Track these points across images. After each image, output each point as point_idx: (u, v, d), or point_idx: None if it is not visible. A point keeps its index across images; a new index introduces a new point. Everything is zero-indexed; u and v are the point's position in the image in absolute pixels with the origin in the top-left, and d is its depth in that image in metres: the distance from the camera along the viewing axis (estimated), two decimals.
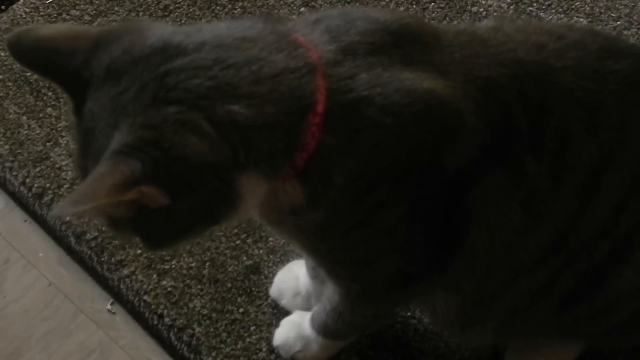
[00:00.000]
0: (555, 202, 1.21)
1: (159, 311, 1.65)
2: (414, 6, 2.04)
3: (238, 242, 1.72)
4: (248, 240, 1.72)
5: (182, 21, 1.99)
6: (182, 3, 2.03)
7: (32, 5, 2.02)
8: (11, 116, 1.87)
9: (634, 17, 2.03)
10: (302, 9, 2.03)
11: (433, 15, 2.03)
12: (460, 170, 1.16)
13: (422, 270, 1.27)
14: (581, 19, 2.03)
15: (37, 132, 1.84)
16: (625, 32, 2.01)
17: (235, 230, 1.73)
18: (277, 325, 1.62)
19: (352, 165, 1.10)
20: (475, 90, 1.15)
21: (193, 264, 1.69)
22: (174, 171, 1.00)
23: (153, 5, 2.03)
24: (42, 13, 2.01)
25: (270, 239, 1.71)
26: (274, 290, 1.66)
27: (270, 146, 1.05)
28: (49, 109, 1.87)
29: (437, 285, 1.31)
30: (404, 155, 1.12)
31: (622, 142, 1.21)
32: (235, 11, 2.02)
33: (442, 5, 2.04)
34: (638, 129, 1.22)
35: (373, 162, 1.11)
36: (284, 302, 1.64)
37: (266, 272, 1.69)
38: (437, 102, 1.11)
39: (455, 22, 2.02)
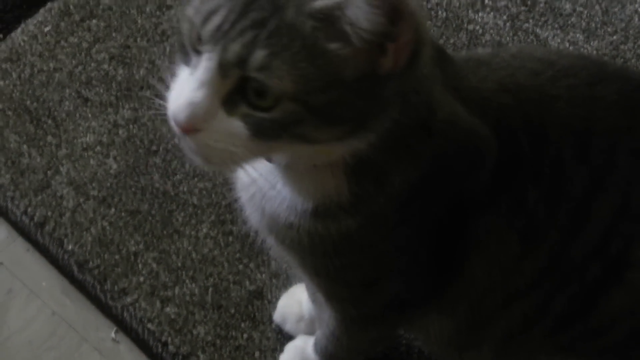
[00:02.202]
0: (549, 229, 1.26)
1: (163, 339, 1.69)
2: None
3: (241, 266, 1.76)
4: (251, 265, 1.76)
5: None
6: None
7: (30, 34, 2.07)
8: (11, 145, 1.91)
9: (630, 32, 2.08)
10: None
11: (430, 34, 2.08)
12: (470, 197, 1.22)
13: (420, 294, 1.31)
14: (577, 35, 2.08)
15: (38, 160, 1.89)
16: (622, 47, 2.06)
17: (238, 255, 1.78)
18: (281, 351, 1.66)
19: (414, 173, 1.14)
20: (490, 117, 1.20)
21: (196, 290, 1.74)
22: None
23: (151, 30, 2.08)
24: (40, 41, 2.06)
25: (273, 262, 1.76)
26: (277, 316, 1.70)
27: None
28: (49, 137, 1.92)
29: (433, 309, 1.35)
30: (446, 175, 1.17)
31: (611, 166, 1.25)
32: None
33: (439, 24, 2.09)
34: (626, 152, 1.26)
35: (428, 173, 1.15)
36: (287, 327, 1.68)
37: (269, 296, 1.73)
38: (476, 128, 1.18)
39: (452, 41, 2.07)
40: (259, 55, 0.96)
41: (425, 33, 1.04)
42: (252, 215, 1.28)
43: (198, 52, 1.00)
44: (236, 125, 1.00)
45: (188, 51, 1.02)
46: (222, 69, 0.98)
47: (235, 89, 0.99)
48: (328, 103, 0.99)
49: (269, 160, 1.14)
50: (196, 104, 0.99)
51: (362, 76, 1.00)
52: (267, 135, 1.00)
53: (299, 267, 1.32)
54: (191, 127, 1.00)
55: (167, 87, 1.05)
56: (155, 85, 1.90)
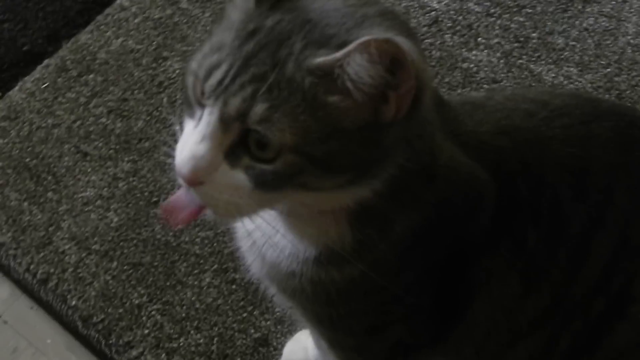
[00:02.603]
0: (550, 269, 1.26)
1: None
2: None
3: (245, 314, 1.76)
4: (255, 313, 1.76)
5: (177, 96, 2.06)
6: (175, 79, 2.10)
7: (27, 91, 2.09)
8: (12, 203, 1.92)
9: (624, 64, 2.09)
10: None
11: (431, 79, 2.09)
12: (471, 240, 1.22)
13: (424, 339, 1.31)
14: (571, 69, 2.09)
15: (39, 217, 1.89)
16: (616, 79, 2.07)
17: (242, 303, 1.77)
18: None
19: (417, 218, 1.14)
20: (489, 161, 1.20)
21: (201, 341, 1.73)
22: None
23: (148, 82, 2.09)
24: (38, 98, 2.07)
25: (277, 309, 1.75)
26: None
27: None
28: (50, 193, 1.93)
29: (437, 352, 1.34)
30: (447, 220, 1.17)
31: (609, 203, 1.26)
32: None
33: (433, 63, 2.10)
34: (623, 189, 1.26)
35: (430, 218, 1.15)
36: None
37: (275, 343, 1.73)
38: (475, 172, 1.18)
39: (447, 80, 2.08)
40: (259, 108, 0.97)
41: (426, 78, 1.04)
42: (253, 264, 1.28)
43: (202, 105, 1.01)
44: (239, 178, 1.01)
45: (192, 104, 1.03)
46: (224, 122, 0.99)
47: (237, 142, 1.00)
48: (329, 153, 1.00)
49: (271, 207, 1.14)
50: (199, 157, 0.99)
51: (363, 125, 1.00)
52: (269, 187, 1.01)
53: (302, 316, 1.31)
54: (195, 179, 1.00)
55: (170, 137, 1.07)
56: (154, 137, 1.93)
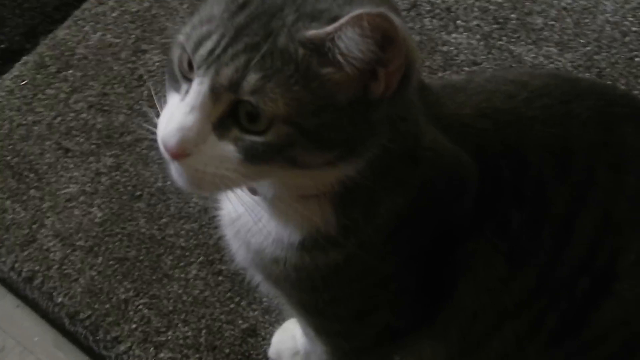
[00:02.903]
0: (534, 249, 1.26)
1: None
2: None
3: (232, 305, 1.76)
4: (242, 303, 1.76)
5: (158, 89, 2.05)
6: (155, 71, 2.09)
7: (7, 89, 2.08)
8: None
9: (603, 42, 2.10)
10: None
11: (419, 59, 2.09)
12: (455, 223, 1.22)
13: (410, 323, 1.31)
14: (551, 48, 2.09)
15: (22, 215, 1.88)
16: (595, 57, 2.07)
17: (229, 294, 1.77)
18: None
19: (401, 202, 1.14)
20: (470, 144, 1.20)
21: (189, 333, 1.73)
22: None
23: (127, 76, 2.09)
24: (17, 95, 2.06)
25: (264, 299, 1.75)
26: (272, 352, 1.69)
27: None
28: (32, 191, 1.92)
29: (424, 335, 1.34)
30: (431, 203, 1.18)
31: (591, 182, 1.26)
32: None
33: None
34: (604, 167, 1.26)
35: (414, 202, 1.15)
36: None
37: (263, 333, 1.73)
38: (458, 155, 1.19)
39: (427, 64, 2.07)
40: (252, 78, 0.97)
41: (415, 58, 1.03)
42: (238, 252, 1.28)
43: (188, 79, 1.01)
44: (227, 149, 1.00)
45: (178, 78, 1.03)
46: (214, 92, 0.98)
47: (227, 113, 0.99)
48: (320, 126, 0.99)
49: (254, 193, 1.14)
50: (187, 128, 0.98)
51: (354, 100, 1.00)
52: (258, 158, 1.00)
53: (288, 303, 1.31)
54: (182, 151, 0.99)
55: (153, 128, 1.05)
56: (135, 130, 1.92)
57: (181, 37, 1.02)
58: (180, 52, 1.02)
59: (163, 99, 1.06)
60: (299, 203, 1.13)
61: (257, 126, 0.98)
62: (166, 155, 1.01)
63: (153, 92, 1.98)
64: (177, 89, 1.03)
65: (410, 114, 1.11)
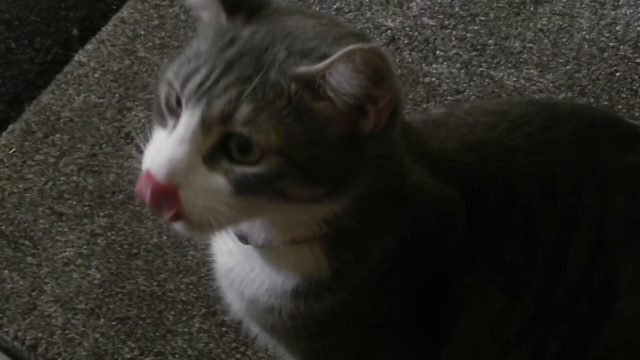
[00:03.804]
0: (530, 277, 1.27)
1: None
2: None
3: (238, 355, 1.76)
4: (248, 352, 1.76)
5: (144, 146, 2.05)
6: (142, 127, 2.09)
7: None
8: None
9: (582, 59, 2.11)
10: None
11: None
12: (448, 260, 1.23)
13: None
14: (531, 70, 2.10)
15: (21, 283, 1.88)
16: (576, 75, 2.08)
17: (234, 344, 1.77)
18: None
19: (392, 242, 1.15)
20: (456, 179, 1.22)
21: None
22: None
23: (115, 135, 2.09)
24: (7, 164, 2.06)
25: (270, 346, 1.75)
26: None
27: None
28: (29, 258, 1.91)
29: None
30: (422, 242, 1.18)
31: (579, 205, 1.27)
32: None
33: None
34: (592, 189, 1.28)
35: (404, 241, 1.15)
36: None
37: None
38: (443, 192, 1.20)
39: (410, 96, 2.08)
40: (244, 110, 0.97)
41: (401, 95, 1.05)
42: (233, 302, 1.29)
43: (175, 115, 1.02)
44: (218, 181, 1.00)
45: (164, 114, 1.03)
46: (205, 125, 0.98)
47: (217, 145, 1.00)
48: (311, 159, 1.00)
49: (246, 242, 1.14)
50: (177, 160, 0.98)
51: (344, 136, 1.01)
52: (249, 190, 1.00)
53: (287, 352, 1.32)
54: (171, 182, 0.99)
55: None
56: (127, 188, 1.92)
57: (169, 74, 1.03)
58: (168, 89, 1.03)
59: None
60: (291, 249, 1.14)
61: (249, 157, 0.99)
62: (144, 193, 1.00)
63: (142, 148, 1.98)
64: (163, 124, 1.04)
65: (395, 153, 1.12)
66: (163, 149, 1.00)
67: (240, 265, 1.20)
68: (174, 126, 1.01)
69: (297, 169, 1.00)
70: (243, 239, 1.15)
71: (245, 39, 1.03)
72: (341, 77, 0.97)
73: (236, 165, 1.00)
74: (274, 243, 1.13)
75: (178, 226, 1.05)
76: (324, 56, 1.00)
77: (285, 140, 0.99)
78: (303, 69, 0.99)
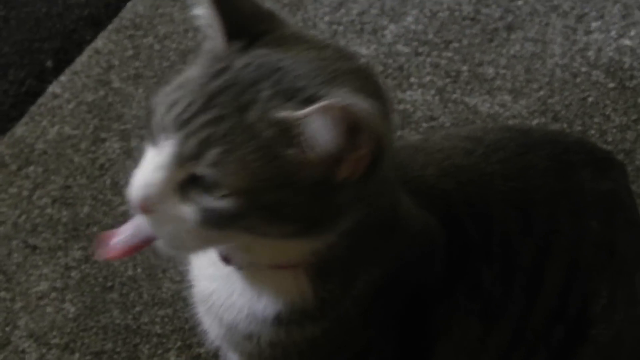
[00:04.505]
0: (507, 304, 1.27)
1: None
2: None
3: None
4: None
5: (120, 176, 2.04)
6: (116, 159, 2.09)
7: None
8: None
9: (555, 85, 2.13)
10: None
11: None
12: (428, 288, 1.22)
13: None
14: (505, 97, 2.12)
15: None
16: (549, 101, 2.10)
17: None
18: None
19: (378, 272, 1.14)
20: (437, 206, 1.21)
21: None
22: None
23: (89, 166, 2.08)
24: None
25: None
26: None
27: None
28: (2, 292, 1.89)
29: None
30: (405, 271, 1.17)
31: (554, 231, 1.28)
32: None
33: None
34: (567, 215, 1.29)
35: (389, 271, 1.15)
36: None
37: None
38: (427, 221, 1.19)
39: None
40: (213, 152, 0.97)
41: (387, 142, 1.01)
42: (211, 328, 1.27)
43: (162, 136, 1.02)
44: (186, 211, 1.01)
45: (154, 133, 1.03)
46: (179, 159, 0.99)
47: (190, 177, 1.00)
48: (277, 202, 1.00)
49: (227, 262, 1.13)
50: (152, 185, 1.00)
51: (318, 181, 1.00)
52: (215, 224, 1.00)
53: None
54: (144, 207, 1.01)
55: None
56: (101, 220, 1.92)
57: (157, 97, 1.04)
58: (157, 110, 1.03)
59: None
60: (274, 273, 1.13)
61: (216, 193, 0.99)
62: (134, 208, 1.03)
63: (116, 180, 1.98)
64: (154, 143, 1.03)
65: (386, 188, 1.11)
66: (144, 171, 1.02)
67: (220, 289, 1.19)
68: (160, 147, 1.01)
69: (263, 210, 1.00)
70: (225, 259, 1.14)
71: (235, 71, 1.02)
72: (316, 128, 0.96)
73: (205, 198, 1.00)
74: (256, 266, 1.12)
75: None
76: (310, 98, 0.98)
77: (250, 184, 0.98)
78: (283, 114, 0.98)
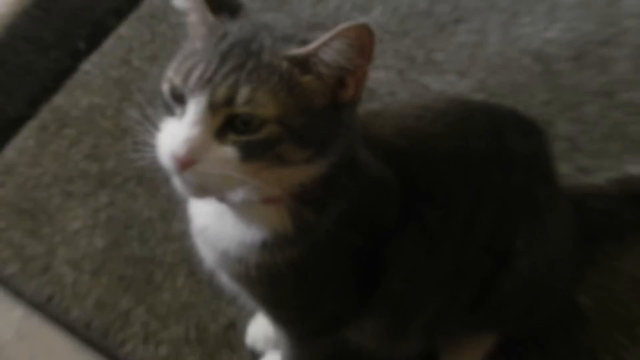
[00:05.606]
0: (447, 239, 1.29)
1: None
2: None
3: (213, 305, 1.77)
4: (221, 303, 1.77)
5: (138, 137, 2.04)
6: (135, 124, 2.09)
7: (17, 150, 2.08)
8: (16, 240, 1.90)
9: (492, 68, 2.13)
10: None
11: None
12: (383, 226, 1.24)
13: (351, 309, 1.32)
14: (452, 77, 2.12)
15: (38, 249, 1.88)
16: (487, 81, 2.10)
17: (210, 297, 1.78)
18: None
19: (345, 206, 1.14)
20: (393, 160, 1.22)
21: (181, 331, 1.73)
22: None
23: (113, 129, 2.09)
24: (26, 154, 2.06)
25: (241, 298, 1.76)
26: (249, 339, 1.70)
27: None
28: (45, 229, 1.91)
29: (364, 314, 1.34)
30: (366, 209, 1.19)
31: (488, 183, 1.30)
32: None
33: None
34: (497, 169, 1.31)
35: (354, 207, 1.15)
36: (258, 347, 1.68)
37: (241, 325, 1.73)
38: (383, 170, 1.20)
39: None
40: (243, 92, 0.97)
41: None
42: (207, 255, 1.27)
43: (183, 103, 1.01)
44: (228, 151, 1.00)
45: (171, 105, 1.02)
46: (212, 109, 0.98)
47: (224, 123, 1.00)
48: (303, 125, 1.00)
49: (222, 200, 1.13)
50: (193, 139, 0.98)
51: (326, 105, 1.01)
52: (254, 156, 1.00)
53: (250, 297, 1.31)
54: (190, 159, 0.99)
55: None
56: (123, 172, 1.91)
57: (170, 73, 1.03)
58: (169, 85, 1.02)
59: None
60: (262, 208, 1.13)
61: (252, 128, 0.99)
62: (173, 168, 1.01)
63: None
64: (172, 114, 1.02)
65: (354, 126, 1.11)
66: (178, 132, 1.00)
67: (215, 223, 1.19)
68: (183, 112, 1.00)
69: (292, 134, 1.00)
70: (220, 197, 1.13)
71: (234, 33, 1.03)
72: (335, 51, 0.97)
73: (242, 136, 1.00)
74: (248, 203, 1.11)
75: (192, 192, 1.06)
76: (305, 40, 1.00)
77: (280, 111, 0.98)
78: (294, 51, 0.99)
